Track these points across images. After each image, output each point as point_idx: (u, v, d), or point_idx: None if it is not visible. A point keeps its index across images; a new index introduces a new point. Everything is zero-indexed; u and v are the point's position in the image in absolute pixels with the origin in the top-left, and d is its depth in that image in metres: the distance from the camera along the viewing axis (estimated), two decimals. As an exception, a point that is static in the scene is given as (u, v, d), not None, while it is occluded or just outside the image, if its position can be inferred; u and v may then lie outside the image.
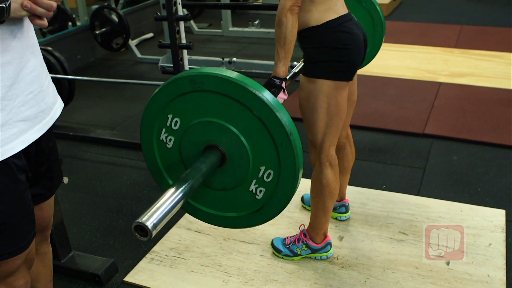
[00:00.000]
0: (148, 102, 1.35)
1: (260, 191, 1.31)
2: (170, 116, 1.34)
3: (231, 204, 1.38)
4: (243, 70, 4.63)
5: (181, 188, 1.23)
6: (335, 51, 1.87)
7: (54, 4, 1.19)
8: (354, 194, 2.67)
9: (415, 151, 3.23)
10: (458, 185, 2.83)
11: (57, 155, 1.54)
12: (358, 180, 2.81)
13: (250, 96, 1.21)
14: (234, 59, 4.65)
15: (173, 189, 1.22)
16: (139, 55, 5.31)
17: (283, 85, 1.84)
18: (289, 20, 1.77)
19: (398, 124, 3.55)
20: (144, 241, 2.46)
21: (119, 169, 3.20)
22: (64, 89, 3.59)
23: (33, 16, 1.19)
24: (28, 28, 1.30)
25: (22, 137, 1.28)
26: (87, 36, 5.27)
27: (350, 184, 2.55)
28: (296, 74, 2.13)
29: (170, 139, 1.37)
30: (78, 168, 3.24)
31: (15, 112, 1.25)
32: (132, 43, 5.37)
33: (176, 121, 1.34)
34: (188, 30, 6.15)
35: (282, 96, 1.84)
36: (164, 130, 1.37)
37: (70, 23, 5.38)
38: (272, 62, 4.53)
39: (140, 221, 1.10)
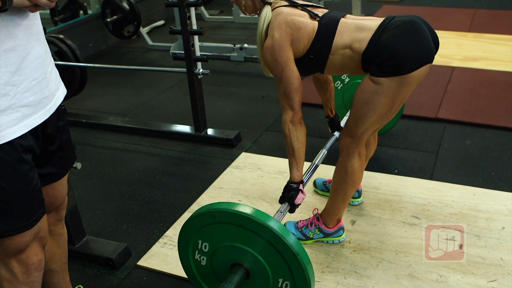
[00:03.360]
0: (180, 230, 1.70)
1: None
2: (200, 241, 1.67)
3: None
4: (254, 56, 4.62)
5: None
6: (385, 49, 1.78)
7: None
8: (366, 178, 2.67)
9: (428, 135, 3.21)
10: (471, 169, 2.81)
11: (69, 135, 1.57)
12: (370, 165, 2.79)
13: (260, 226, 1.50)
14: (246, 45, 4.64)
15: None
16: (150, 42, 5.31)
17: (301, 187, 1.94)
18: (292, 132, 1.90)
19: (411, 109, 3.52)
20: (157, 226, 2.49)
21: (131, 156, 3.22)
22: (76, 76, 3.60)
23: (34, 6, 1.22)
24: (34, 15, 1.32)
25: (24, 121, 1.31)
26: (99, 24, 5.28)
27: (362, 168, 2.54)
28: (316, 166, 2.22)
29: (203, 259, 1.70)
30: (91, 154, 3.26)
31: (19, 97, 1.28)
32: (143, 30, 5.37)
33: (206, 245, 1.66)
34: (199, 17, 6.13)
35: (301, 197, 1.94)
36: (197, 252, 1.70)
37: (81, 12, 5.39)
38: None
39: None
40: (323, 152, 2.29)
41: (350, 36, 1.87)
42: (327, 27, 1.89)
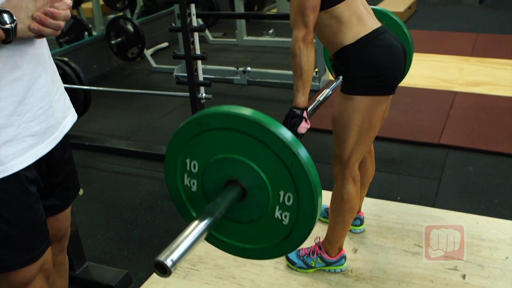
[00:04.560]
0: (166, 151, 1.39)
1: (285, 216, 1.31)
2: (188, 161, 1.39)
3: (261, 235, 1.38)
4: (257, 80, 4.64)
5: (203, 223, 1.23)
6: (373, 65, 1.85)
7: (62, 24, 1.21)
8: (369, 205, 2.66)
9: (430, 161, 3.20)
10: (474, 197, 2.80)
11: (73, 167, 1.56)
12: (373, 192, 2.79)
13: (249, 123, 1.23)
14: (248, 68, 4.67)
15: (194, 224, 1.23)
16: (154, 64, 5.34)
17: (304, 114, 1.83)
18: (302, 51, 1.77)
19: (413, 134, 3.53)
20: (158, 252, 2.47)
21: (134, 179, 3.22)
22: (80, 99, 3.62)
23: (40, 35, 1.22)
24: (41, 43, 1.31)
25: (31, 151, 1.30)
26: (103, 46, 5.32)
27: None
28: (320, 103, 2.06)
29: (193, 183, 1.41)
30: (93, 178, 3.26)
31: (24, 127, 1.27)
32: (147, 52, 5.41)
33: (194, 164, 1.38)
34: (202, 39, 6.17)
35: (305, 126, 1.83)
36: (186, 175, 1.41)
37: (86, 33, 5.44)
38: (286, 71, 4.56)
39: (159, 259, 1.12)
40: (327, 92, 2.08)
41: (349, 17, 1.85)
42: None
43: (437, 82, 4.48)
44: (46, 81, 1.33)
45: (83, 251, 2.31)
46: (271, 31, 5.82)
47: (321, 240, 2.24)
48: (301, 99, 1.83)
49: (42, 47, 1.33)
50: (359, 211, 2.47)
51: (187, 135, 1.36)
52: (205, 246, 2.45)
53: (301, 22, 1.77)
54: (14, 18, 1.12)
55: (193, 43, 2.99)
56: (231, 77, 4.75)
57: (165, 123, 4.02)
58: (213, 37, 6.23)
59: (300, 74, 1.80)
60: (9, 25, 1.12)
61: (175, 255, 1.13)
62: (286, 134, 1.22)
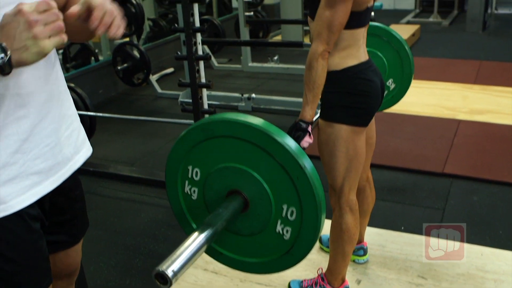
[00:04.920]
0: (167, 157, 1.38)
1: (287, 230, 1.30)
2: (190, 168, 1.37)
3: (261, 249, 1.37)
4: (262, 106, 4.67)
5: (204, 234, 1.21)
6: (353, 97, 1.88)
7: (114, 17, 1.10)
8: (372, 235, 2.65)
9: (435, 191, 3.20)
10: (478, 227, 2.79)
11: (83, 204, 1.50)
12: (376, 221, 2.79)
13: (256, 132, 1.22)
14: (253, 95, 4.69)
15: (195, 235, 1.21)
16: (159, 90, 5.38)
17: (309, 129, 1.83)
18: (319, 65, 1.78)
19: (417, 163, 3.53)
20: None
21: (137, 206, 3.22)
22: (85, 125, 3.62)
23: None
24: (53, 80, 1.26)
25: (34, 189, 1.24)
26: (109, 71, 5.37)
27: (368, 225, 2.52)
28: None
29: (194, 191, 1.39)
30: (97, 204, 3.26)
31: (29, 165, 1.22)
32: (153, 78, 5.45)
33: (197, 172, 1.36)
34: (207, 65, 6.23)
35: (308, 140, 1.83)
36: (187, 182, 1.39)
37: (93, 58, 5.50)
38: (290, 98, 4.57)
39: (160, 269, 1.10)
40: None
41: (348, 45, 1.88)
42: (357, 19, 1.85)
43: (441, 110, 4.49)
44: (55, 117, 1.27)
45: (86, 280, 2.29)
46: (275, 58, 5.87)
47: (324, 271, 2.22)
48: (309, 112, 1.84)
49: (54, 83, 1.27)
50: (362, 240, 2.46)
51: (191, 141, 1.34)
52: (207, 276, 2.44)
53: (325, 37, 1.78)
54: (7, 51, 0.99)
55: (198, 71, 3.02)
56: (236, 104, 4.77)
57: (169, 150, 4.01)
58: (218, 63, 6.28)
59: (312, 88, 1.81)
60: (0, 60, 1.00)
61: (176, 265, 1.12)
62: (293, 145, 1.21)
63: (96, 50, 5.78)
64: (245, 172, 1.28)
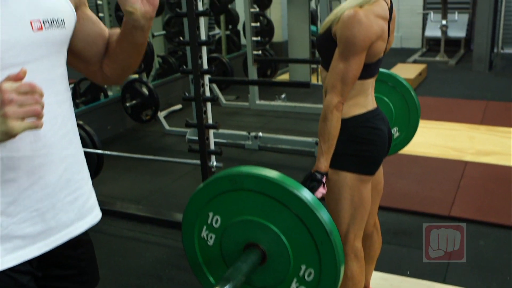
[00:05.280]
0: (189, 199, 1.39)
1: None
2: (211, 214, 1.38)
3: None
4: (268, 145, 4.69)
5: None
6: (359, 145, 1.90)
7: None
8: (377, 280, 2.63)
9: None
10: (485, 273, 2.76)
11: (91, 263, 1.43)
12: (381, 265, 2.76)
13: (289, 195, 1.24)
14: (260, 134, 4.72)
15: None
16: (167, 127, 5.43)
17: (324, 179, 1.85)
18: (334, 117, 1.81)
19: (423, 205, 3.51)
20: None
21: (142, 246, 3.22)
22: (93, 162, 3.68)
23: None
24: (55, 140, 1.20)
25: (16, 253, 1.15)
26: (118, 108, 5.43)
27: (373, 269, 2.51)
28: None
29: (211, 237, 1.40)
30: (102, 243, 3.26)
31: (13, 228, 1.14)
32: (161, 114, 5.50)
33: (217, 219, 1.38)
34: (215, 103, 6.27)
35: (322, 191, 1.84)
36: (205, 227, 1.41)
37: (102, 94, 5.57)
38: (297, 137, 4.59)
39: None
40: None
41: (357, 94, 1.90)
42: (369, 70, 1.89)
43: (447, 151, 4.49)
44: (50, 182, 1.20)
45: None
46: (283, 96, 5.92)
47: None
48: (324, 164, 1.85)
49: (57, 147, 1.21)
50: (367, 286, 2.44)
51: (217, 189, 1.35)
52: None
53: (339, 89, 1.81)
54: None
55: (205, 112, 3.06)
56: (243, 142, 4.80)
57: (176, 188, 4.04)
58: (226, 100, 6.33)
59: (328, 139, 1.83)
60: None
61: None
62: (324, 215, 1.24)
63: (106, 86, 5.88)
64: (269, 228, 1.30)
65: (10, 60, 1.09)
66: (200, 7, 2.93)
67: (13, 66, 1.08)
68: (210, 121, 3.10)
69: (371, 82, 1.95)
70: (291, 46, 6.74)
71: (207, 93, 3.04)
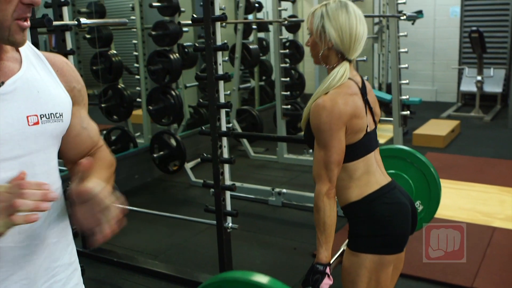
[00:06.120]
0: None
1: None
2: None
3: None
4: (293, 202, 4.66)
5: None
6: (377, 224, 1.86)
7: (52, 195, 1.05)
8: None
9: (461, 308, 3.06)
10: None
11: None
12: None
13: None
14: (284, 190, 4.69)
15: None
16: (193, 178, 5.46)
17: (327, 270, 1.82)
18: (326, 205, 1.79)
19: (444, 275, 3.40)
20: None
21: (155, 304, 3.20)
22: (113, 216, 3.72)
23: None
24: (40, 232, 1.20)
25: None
26: (146, 157, 5.51)
27: None
28: (341, 256, 2.06)
29: None
30: (116, 299, 3.27)
31: None
32: (188, 165, 5.55)
33: None
34: (243, 154, 6.33)
35: (327, 282, 1.82)
36: None
37: (132, 144, 5.68)
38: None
39: None
40: (343, 247, 2.06)
41: (361, 175, 1.88)
42: (361, 147, 1.88)
43: (476, 216, 4.36)
44: (31, 272, 1.20)
45: None
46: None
47: None
48: (324, 254, 1.82)
49: (40, 238, 1.20)
50: None
51: None
52: None
53: (325, 177, 1.81)
54: None
55: (222, 173, 3.07)
56: (266, 198, 4.78)
57: (195, 244, 4.04)
58: (254, 152, 6.36)
59: (324, 229, 1.81)
60: None
61: None
62: None
63: (138, 134, 6.01)
64: None
65: (4, 154, 1.12)
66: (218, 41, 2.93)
67: (8, 160, 1.12)
68: (227, 182, 3.11)
69: (371, 158, 1.92)
70: (321, 100, 6.75)
71: (225, 155, 3.07)
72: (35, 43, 1.90)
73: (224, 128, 3.02)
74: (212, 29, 2.86)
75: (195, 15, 3.11)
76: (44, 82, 1.23)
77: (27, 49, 1.24)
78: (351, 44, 1.84)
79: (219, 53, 2.93)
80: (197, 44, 5.82)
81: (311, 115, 1.84)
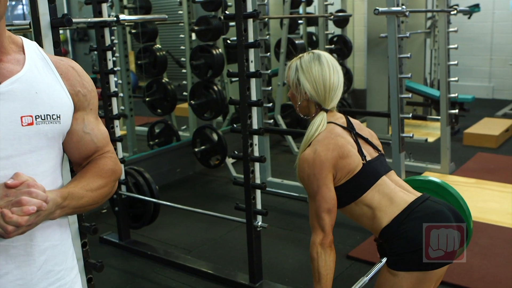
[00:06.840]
0: None
1: None
2: None
3: None
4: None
5: None
6: (410, 241, 1.80)
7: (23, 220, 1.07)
8: None
9: (498, 320, 2.91)
10: None
11: None
12: None
13: None
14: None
15: None
16: (234, 173, 5.45)
17: None
18: (320, 256, 1.81)
19: (484, 283, 3.24)
20: None
21: (183, 300, 3.21)
22: (149, 210, 3.78)
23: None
24: (26, 235, 1.17)
25: None
26: (188, 151, 5.55)
27: None
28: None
29: None
30: (146, 292, 3.30)
31: None
32: (229, 161, 5.55)
33: None
34: (287, 150, 6.28)
35: None
36: None
37: (174, 138, 5.73)
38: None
39: None
40: (364, 280, 1.95)
41: (380, 201, 1.85)
42: (366, 177, 1.87)
43: (524, 222, 4.16)
44: (27, 273, 1.19)
45: None
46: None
47: None
48: None
49: (31, 238, 1.20)
50: None
51: None
52: None
53: (317, 226, 1.84)
54: None
55: (253, 172, 3.05)
56: (305, 195, 4.71)
57: (229, 240, 4.03)
58: (298, 148, 6.29)
59: (319, 279, 1.82)
60: None
61: None
62: None
63: (184, 127, 6.05)
64: None
65: None
66: (251, 38, 2.89)
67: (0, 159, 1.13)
68: (257, 180, 3.08)
69: (385, 181, 1.89)
70: (369, 96, 6.61)
71: (256, 153, 3.03)
72: (56, 42, 1.92)
73: (255, 126, 2.99)
74: (244, 26, 2.82)
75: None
76: (44, 84, 1.23)
77: (34, 51, 1.26)
78: (326, 95, 1.91)
79: (251, 50, 2.89)
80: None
81: (298, 170, 1.92)
